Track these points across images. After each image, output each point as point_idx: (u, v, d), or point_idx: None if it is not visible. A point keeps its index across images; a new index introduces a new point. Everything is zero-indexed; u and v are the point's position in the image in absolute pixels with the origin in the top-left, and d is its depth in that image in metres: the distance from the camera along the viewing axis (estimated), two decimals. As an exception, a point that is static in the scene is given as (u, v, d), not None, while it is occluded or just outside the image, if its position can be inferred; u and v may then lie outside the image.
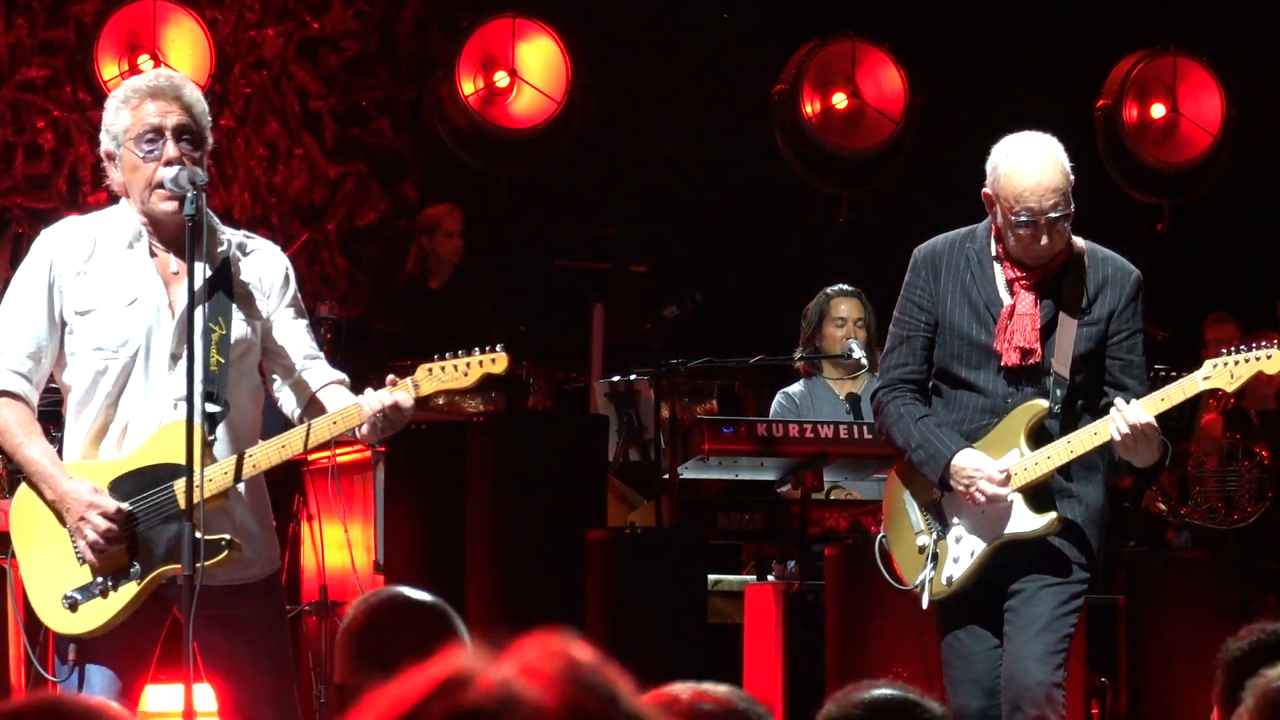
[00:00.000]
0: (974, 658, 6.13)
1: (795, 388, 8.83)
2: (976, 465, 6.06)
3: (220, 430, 5.38)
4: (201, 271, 5.34)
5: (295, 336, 5.57)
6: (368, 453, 8.89)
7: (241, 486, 5.44)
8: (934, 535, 6.19)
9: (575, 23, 11.38)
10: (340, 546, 8.60)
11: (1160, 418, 5.98)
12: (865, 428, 8.11)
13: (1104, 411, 6.05)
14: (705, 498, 8.56)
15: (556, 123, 11.34)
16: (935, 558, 6.17)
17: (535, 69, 11.34)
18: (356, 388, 5.54)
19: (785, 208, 12.02)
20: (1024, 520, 6.09)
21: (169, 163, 5.36)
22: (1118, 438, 5.94)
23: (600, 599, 8.17)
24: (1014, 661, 6.04)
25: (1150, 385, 6.20)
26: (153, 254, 5.46)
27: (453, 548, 8.59)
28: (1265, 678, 3.24)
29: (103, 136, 5.46)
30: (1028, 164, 5.97)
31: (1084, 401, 6.12)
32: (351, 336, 9.79)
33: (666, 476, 8.48)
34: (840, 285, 8.90)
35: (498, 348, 5.51)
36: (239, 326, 5.45)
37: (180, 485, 5.28)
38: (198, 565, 5.22)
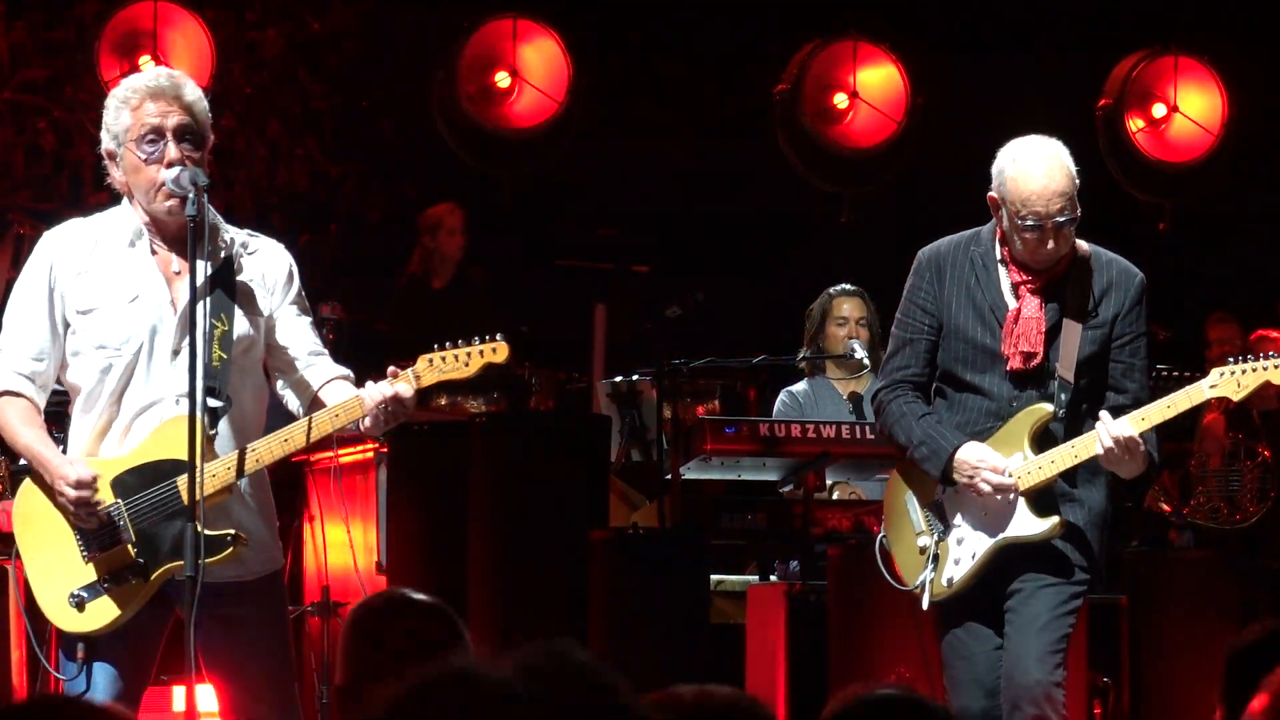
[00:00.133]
0: (975, 658, 6.12)
1: (799, 387, 8.84)
2: (980, 457, 6.05)
3: (223, 426, 5.38)
4: (203, 270, 5.34)
5: (298, 333, 5.56)
6: (370, 453, 8.89)
7: (246, 486, 5.43)
8: (935, 536, 6.17)
9: (576, 23, 11.38)
10: (343, 547, 8.59)
11: (1163, 418, 6.00)
12: (868, 427, 8.10)
13: (1109, 414, 6.06)
14: (708, 498, 8.56)
15: (557, 123, 11.34)
16: (936, 559, 6.16)
17: (536, 69, 11.34)
18: (358, 386, 5.53)
19: (785, 208, 12.01)
20: (1026, 524, 6.07)
21: (170, 164, 5.36)
22: (1100, 451, 5.94)
23: (602, 600, 8.15)
24: (1013, 661, 6.03)
25: (1151, 386, 6.20)
26: (154, 252, 5.46)
27: (455, 548, 8.57)
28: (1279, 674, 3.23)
29: (103, 135, 5.46)
30: (1034, 168, 5.95)
31: (1088, 405, 6.09)
32: (353, 337, 9.79)
33: (669, 477, 8.47)
34: (843, 285, 8.91)
35: (498, 337, 5.51)
36: (241, 323, 5.44)
37: (183, 480, 5.28)
38: (200, 563, 5.22)
